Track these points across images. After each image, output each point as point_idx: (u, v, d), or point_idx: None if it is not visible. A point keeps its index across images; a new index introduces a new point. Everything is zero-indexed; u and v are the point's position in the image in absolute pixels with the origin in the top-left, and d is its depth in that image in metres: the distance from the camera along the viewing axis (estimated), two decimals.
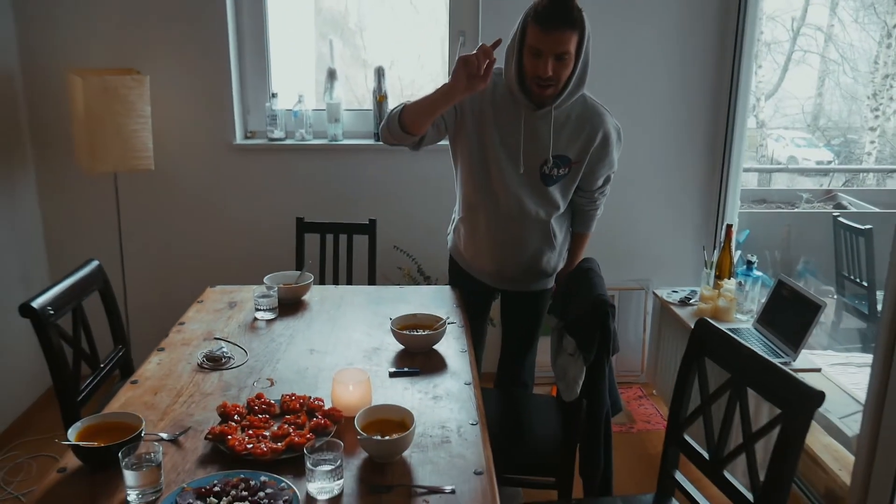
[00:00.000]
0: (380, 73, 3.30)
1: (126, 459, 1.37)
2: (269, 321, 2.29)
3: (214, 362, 1.98)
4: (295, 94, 3.36)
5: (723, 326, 1.83)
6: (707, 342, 1.83)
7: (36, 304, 1.95)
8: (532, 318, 2.52)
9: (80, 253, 3.23)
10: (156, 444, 1.42)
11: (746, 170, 4.49)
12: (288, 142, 3.38)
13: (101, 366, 2.22)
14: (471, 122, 2.24)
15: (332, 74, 3.33)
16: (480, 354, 2.60)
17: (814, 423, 2.12)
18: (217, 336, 2.16)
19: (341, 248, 3.04)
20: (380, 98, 3.31)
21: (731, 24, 3.23)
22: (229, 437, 1.55)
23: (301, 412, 1.67)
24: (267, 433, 1.59)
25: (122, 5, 3.18)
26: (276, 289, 2.35)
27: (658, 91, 3.35)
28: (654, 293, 3.25)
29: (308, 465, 1.39)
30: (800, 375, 1.57)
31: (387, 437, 1.50)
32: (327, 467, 1.39)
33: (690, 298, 3.05)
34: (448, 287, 2.62)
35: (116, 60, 3.22)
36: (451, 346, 2.11)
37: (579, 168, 2.28)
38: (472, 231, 2.42)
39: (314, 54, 3.35)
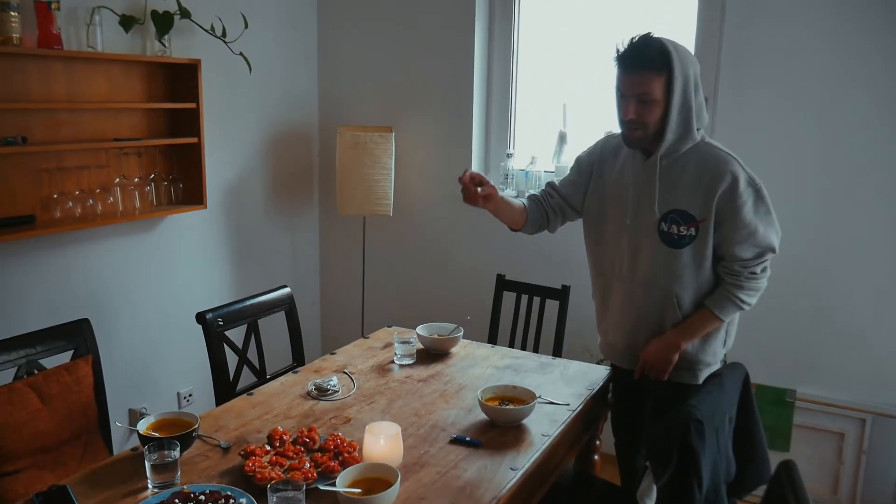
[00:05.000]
0: None
1: (150, 455, 1.62)
2: (402, 366, 2.41)
3: (320, 392, 2.17)
4: (531, 155, 3.45)
5: None
6: (784, 494, 1.43)
7: (209, 315, 2.37)
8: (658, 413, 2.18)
9: (338, 274, 3.93)
10: (176, 444, 1.65)
11: None
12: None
13: (267, 377, 2.57)
14: (592, 185, 2.20)
15: (562, 138, 3.34)
16: (638, 462, 2.32)
17: None
18: (346, 370, 2.35)
19: (533, 311, 3.02)
20: None
21: None
22: (254, 456, 1.71)
23: (331, 452, 1.76)
24: (287, 463, 1.71)
25: (390, 70, 3.66)
26: (415, 338, 2.46)
27: None
28: None
29: (272, 499, 1.48)
30: None
31: (358, 492, 1.51)
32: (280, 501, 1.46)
33: None
34: (606, 368, 2.43)
35: (379, 119, 3.70)
36: (540, 428, 1.97)
37: (707, 227, 1.97)
38: (600, 300, 2.27)
39: (552, 117, 3.40)
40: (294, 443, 1.81)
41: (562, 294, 2.93)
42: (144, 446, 1.68)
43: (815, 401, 2.89)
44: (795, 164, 2.85)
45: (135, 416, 3.09)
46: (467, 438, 1.89)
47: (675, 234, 2.02)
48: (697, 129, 2.00)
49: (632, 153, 2.11)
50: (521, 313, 3.04)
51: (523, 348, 2.99)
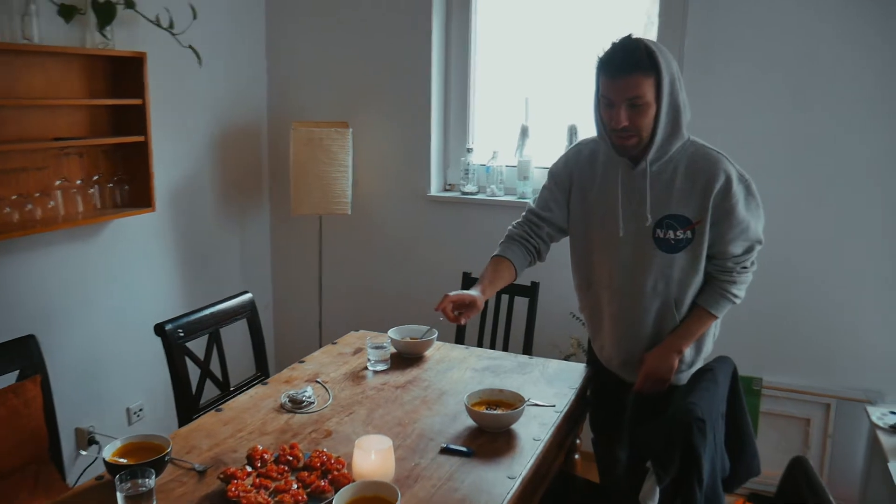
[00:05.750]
0: (572, 131, 3.18)
1: (121, 484, 1.48)
2: (377, 372, 2.31)
3: (294, 404, 2.05)
4: (492, 150, 3.39)
5: None
6: (801, 490, 1.41)
7: (168, 326, 2.22)
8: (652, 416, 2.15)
9: (292, 277, 3.77)
10: (151, 472, 1.51)
11: None
12: (479, 196, 3.40)
13: (231, 389, 2.43)
14: (573, 199, 2.13)
15: (524, 132, 3.29)
16: (620, 457, 2.30)
17: None
18: (318, 379, 2.24)
19: (502, 309, 2.96)
20: None
21: None
22: (235, 480, 1.59)
23: (318, 470, 1.65)
24: (272, 485, 1.60)
25: (343, 64, 3.53)
26: (388, 342, 2.37)
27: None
28: (866, 409, 2.60)
29: None
30: None
31: None
32: None
33: None
34: (584, 365, 2.39)
35: (333, 114, 3.57)
36: (530, 432, 1.91)
37: (703, 228, 1.94)
38: (590, 314, 2.20)
39: (513, 111, 3.35)
40: (276, 462, 1.69)
41: (531, 291, 2.88)
42: (114, 475, 1.53)
43: (781, 388, 2.93)
44: (757, 153, 2.86)
45: (82, 437, 2.88)
46: (458, 447, 1.81)
47: (672, 240, 1.97)
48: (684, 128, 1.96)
49: (612, 162, 2.04)
50: (490, 312, 2.98)
51: (492, 347, 2.93)
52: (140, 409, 3.16)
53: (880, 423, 2.41)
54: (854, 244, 2.82)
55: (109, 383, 3.02)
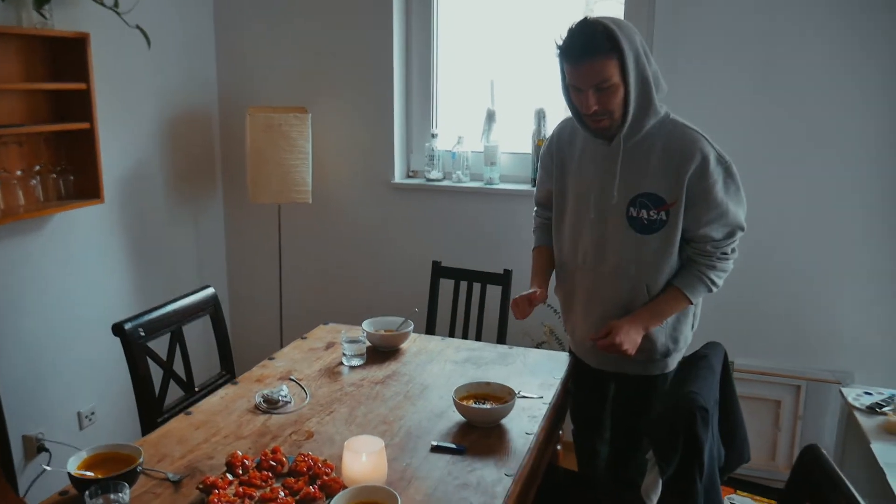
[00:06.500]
0: (540, 115, 3.11)
1: (92, 500, 1.34)
2: (353, 367, 2.21)
3: (270, 404, 1.93)
4: (457, 135, 3.30)
5: None
6: (816, 480, 1.37)
7: (128, 325, 2.06)
8: (636, 407, 2.09)
9: (249, 269, 3.63)
10: (125, 486, 1.38)
11: None
12: (445, 183, 3.31)
13: (196, 390, 2.29)
14: (557, 177, 2.10)
15: (490, 116, 3.20)
16: (599, 448, 2.27)
17: None
18: (292, 377, 2.12)
19: (474, 298, 2.88)
20: (539, 142, 3.12)
21: None
22: (217, 490, 1.47)
23: (305, 475, 1.54)
24: (257, 494, 1.48)
25: (300, 46, 3.38)
26: (364, 336, 2.26)
27: (866, 136, 2.74)
28: (840, 391, 2.62)
29: None
30: None
31: None
32: None
33: (886, 405, 2.40)
34: (566, 354, 2.33)
35: (291, 99, 3.42)
36: (521, 425, 1.84)
37: (678, 210, 1.89)
38: (564, 295, 2.17)
39: (479, 95, 3.26)
40: (259, 468, 1.58)
41: (503, 279, 2.81)
42: (82, 491, 1.39)
43: (752, 370, 2.94)
44: (731, 133, 2.84)
45: (31, 444, 2.69)
46: (449, 445, 1.73)
47: (645, 219, 1.92)
48: (658, 101, 1.90)
49: (589, 140, 1.99)
50: (461, 301, 2.90)
51: (465, 337, 2.85)
52: (92, 413, 2.97)
53: (856, 405, 2.43)
54: (824, 225, 2.83)
55: (57, 386, 2.82)
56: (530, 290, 2.10)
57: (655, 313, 1.96)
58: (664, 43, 2.87)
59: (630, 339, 1.90)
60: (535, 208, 2.30)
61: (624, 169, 1.92)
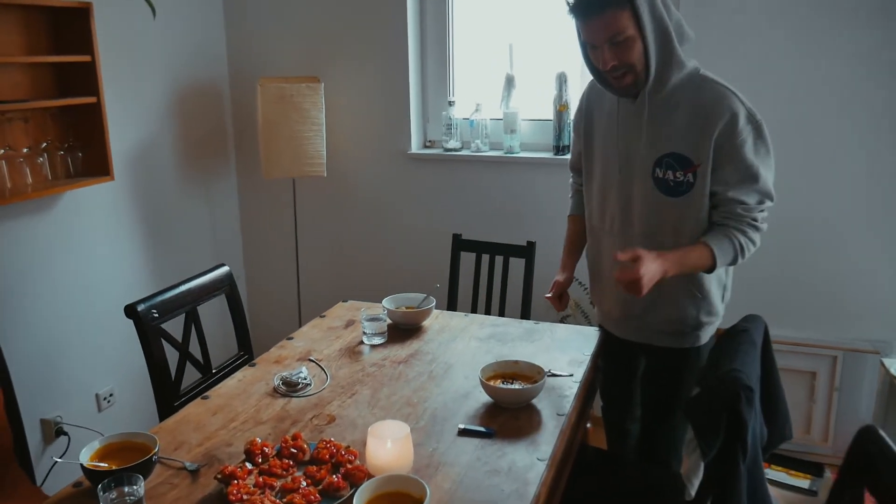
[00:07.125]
0: (562, 79, 2.98)
1: (105, 494, 1.28)
2: (374, 346, 2.13)
3: (289, 387, 1.86)
4: (475, 102, 3.18)
5: None
6: (874, 463, 1.28)
7: (141, 306, 1.99)
8: (666, 381, 2.01)
9: (265, 246, 3.55)
10: (139, 478, 1.31)
11: None
12: (463, 152, 3.20)
13: (214, 372, 2.22)
14: (586, 139, 2.02)
15: (510, 81, 3.08)
16: (629, 427, 2.19)
17: None
18: (312, 358, 2.04)
19: (496, 271, 2.78)
20: (560, 107, 3.00)
21: None
22: (236, 480, 1.40)
23: (328, 463, 1.47)
24: (278, 483, 1.41)
25: (311, 12, 3.25)
26: (384, 313, 2.18)
27: None
28: (881, 361, 2.51)
29: None
30: None
31: None
32: None
33: None
34: (595, 329, 2.23)
35: (303, 68, 3.30)
36: (552, 405, 1.75)
37: (705, 172, 1.77)
38: (592, 262, 2.08)
39: (498, 59, 3.13)
40: (279, 456, 1.51)
41: (527, 251, 2.71)
42: (95, 483, 1.33)
43: (787, 341, 2.83)
44: (763, 95, 2.71)
45: (49, 428, 2.65)
46: (477, 428, 1.65)
47: (672, 181, 1.81)
48: (683, 53, 1.77)
49: (615, 99, 1.88)
50: (483, 275, 2.80)
51: (488, 312, 2.77)
52: (110, 395, 2.92)
53: None
54: (861, 190, 2.70)
55: (74, 369, 2.77)
56: (555, 280, 2.12)
57: (677, 262, 1.77)
58: None
59: (648, 278, 1.69)
60: (571, 174, 2.23)
61: (649, 127, 1.81)
